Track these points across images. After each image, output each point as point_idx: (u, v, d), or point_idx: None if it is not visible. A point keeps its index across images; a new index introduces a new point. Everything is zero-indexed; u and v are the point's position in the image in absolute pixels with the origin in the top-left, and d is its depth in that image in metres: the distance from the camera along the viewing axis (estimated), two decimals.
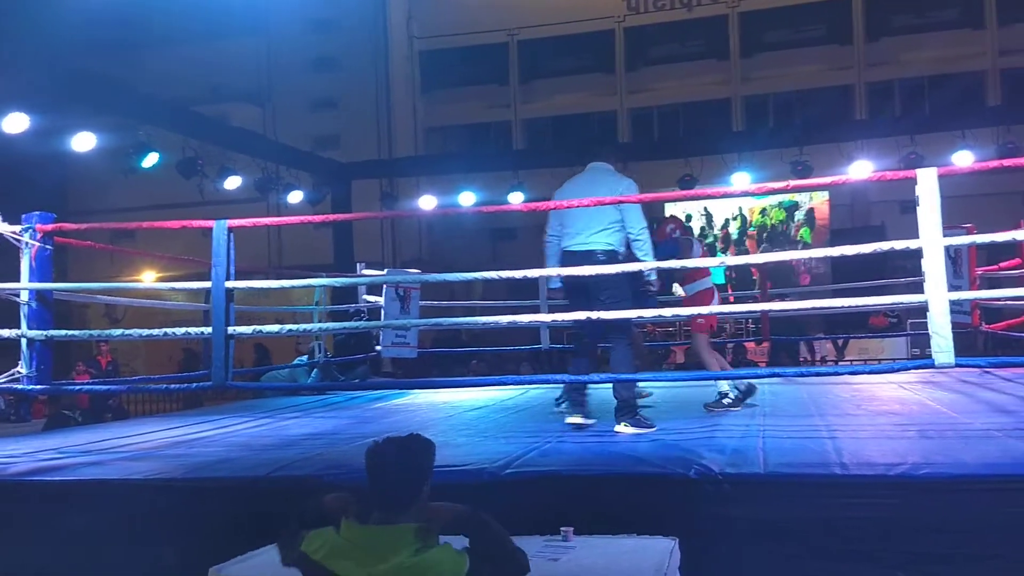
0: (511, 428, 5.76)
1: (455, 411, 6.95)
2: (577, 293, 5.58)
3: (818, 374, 7.24)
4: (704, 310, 5.67)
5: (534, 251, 7.91)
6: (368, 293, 9.14)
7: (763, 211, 22.29)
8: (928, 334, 4.46)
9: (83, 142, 10.89)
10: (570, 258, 5.56)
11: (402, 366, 11.69)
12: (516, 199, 14.36)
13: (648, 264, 5.41)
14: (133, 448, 5.50)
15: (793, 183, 4.97)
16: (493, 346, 12.50)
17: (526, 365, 13.55)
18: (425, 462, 2.74)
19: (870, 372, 6.13)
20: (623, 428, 5.29)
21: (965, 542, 3.51)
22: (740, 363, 13.11)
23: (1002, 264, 8.67)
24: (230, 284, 5.48)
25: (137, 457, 5.11)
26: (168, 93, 17.74)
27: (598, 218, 5.50)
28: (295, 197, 14.77)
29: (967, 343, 8.93)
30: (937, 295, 4.38)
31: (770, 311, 9.01)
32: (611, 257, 5.46)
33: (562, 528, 3.33)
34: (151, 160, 11.95)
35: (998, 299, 6.40)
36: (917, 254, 4.56)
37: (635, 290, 5.65)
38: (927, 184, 4.40)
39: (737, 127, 24.27)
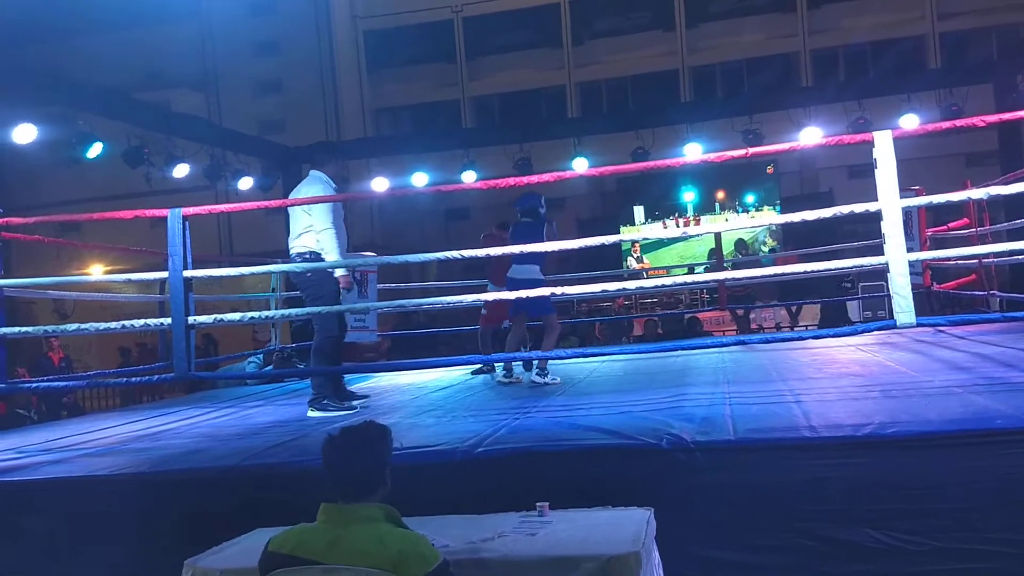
0: (479, 406, 5.76)
1: (421, 392, 6.93)
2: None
3: (782, 340, 7.35)
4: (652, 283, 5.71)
5: (488, 230, 7.92)
6: None
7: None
8: (879, 296, 4.54)
9: (23, 134, 10.54)
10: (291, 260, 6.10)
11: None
12: (468, 178, 14.29)
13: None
14: (96, 444, 5.39)
15: (752, 150, 4.99)
16: (451, 326, 12.44)
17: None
18: (383, 449, 2.75)
19: (833, 335, 6.18)
20: (312, 413, 5.89)
21: (933, 497, 3.59)
22: (698, 333, 13.26)
23: (951, 224, 8.85)
24: (188, 274, 5.38)
25: (101, 453, 5.01)
26: (107, 81, 17.29)
27: (295, 225, 6.07)
28: (245, 183, 14.50)
29: (919, 303, 9.09)
30: (897, 257, 4.45)
31: (727, 280, 9.18)
32: (313, 257, 5.95)
33: (537, 503, 3.33)
34: (96, 150, 11.61)
35: (950, 259, 6.52)
36: (867, 218, 4.62)
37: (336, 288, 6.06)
38: (883, 147, 4.45)
39: (686, 98, 24.33)
